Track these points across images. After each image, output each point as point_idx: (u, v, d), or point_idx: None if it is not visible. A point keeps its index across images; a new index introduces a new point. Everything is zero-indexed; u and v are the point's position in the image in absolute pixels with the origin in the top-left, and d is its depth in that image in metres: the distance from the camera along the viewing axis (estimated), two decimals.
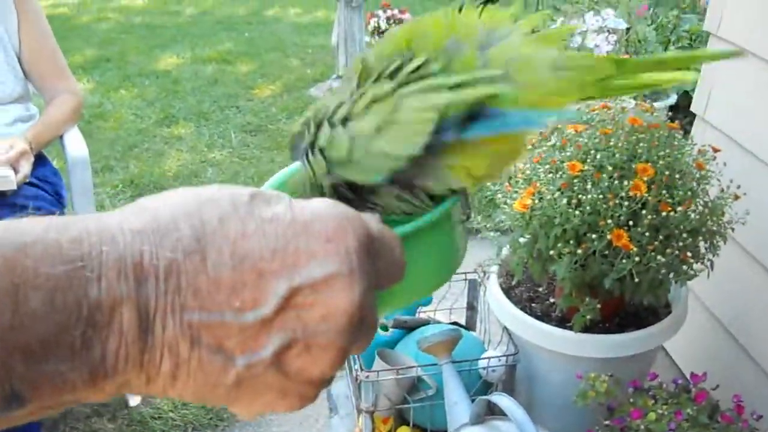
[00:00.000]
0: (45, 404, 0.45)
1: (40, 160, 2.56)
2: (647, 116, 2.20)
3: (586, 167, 1.98)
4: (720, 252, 2.14)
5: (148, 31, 8.74)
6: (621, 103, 2.21)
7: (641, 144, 2.02)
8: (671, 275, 2.05)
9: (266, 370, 0.49)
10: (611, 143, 2.02)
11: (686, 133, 2.85)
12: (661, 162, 2.00)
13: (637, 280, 1.97)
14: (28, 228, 0.46)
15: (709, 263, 2.13)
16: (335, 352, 0.50)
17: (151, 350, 0.47)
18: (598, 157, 2.00)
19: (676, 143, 2.11)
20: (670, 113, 3.99)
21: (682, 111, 3.72)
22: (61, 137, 2.73)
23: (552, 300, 2.39)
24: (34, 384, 0.44)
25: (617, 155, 2.00)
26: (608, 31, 4.44)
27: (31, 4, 2.67)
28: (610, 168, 1.98)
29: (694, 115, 2.76)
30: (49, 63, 2.73)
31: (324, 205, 0.52)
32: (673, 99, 4.37)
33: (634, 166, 1.98)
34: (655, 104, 4.20)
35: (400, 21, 6.95)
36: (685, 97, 4.32)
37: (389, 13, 7.01)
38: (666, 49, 4.70)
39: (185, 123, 5.77)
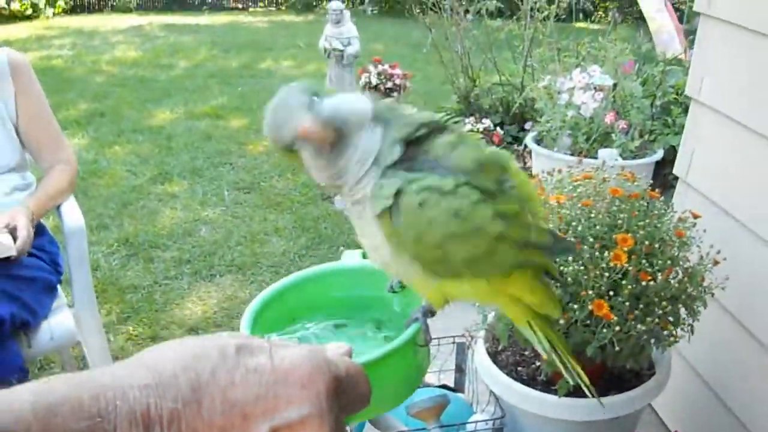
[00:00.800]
0: None
1: (37, 230, 2.62)
2: (628, 185, 2.25)
3: (568, 238, 2.04)
4: (701, 316, 2.19)
5: (141, 84, 8.86)
6: (603, 173, 2.27)
7: (621, 215, 2.08)
8: (652, 341, 2.10)
9: None
10: (592, 215, 2.08)
11: (672, 188, 2.90)
12: (641, 232, 2.05)
13: (617, 348, 2.02)
14: (56, 387, 0.54)
15: (689, 328, 2.18)
16: None
17: None
18: (580, 228, 2.06)
19: (655, 212, 2.17)
20: (651, 182, 4.04)
21: (669, 165, 3.78)
22: (57, 206, 2.79)
23: (538, 363, 2.44)
24: None
25: (598, 226, 2.06)
26: (595, 88, 4.51)
27: (28, 76, 2.74)
28: (591, 239, 2.03)
29: None
30: (46, 133, 2.80)
31: (301, 354, 0.62)
32: (659, 154, 4.43)
33: (614, 236, 2.03)
34: (642, 160, 4.27)
35: (391, 76, 7.04)
36: (672, 151, 4.38)
37: (380, 68, 7.10)
38: (652, 104, 4.77)
39: (179, 180, 5.84)
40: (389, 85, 7.13)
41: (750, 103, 2.42)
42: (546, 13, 5.72)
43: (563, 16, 6.40)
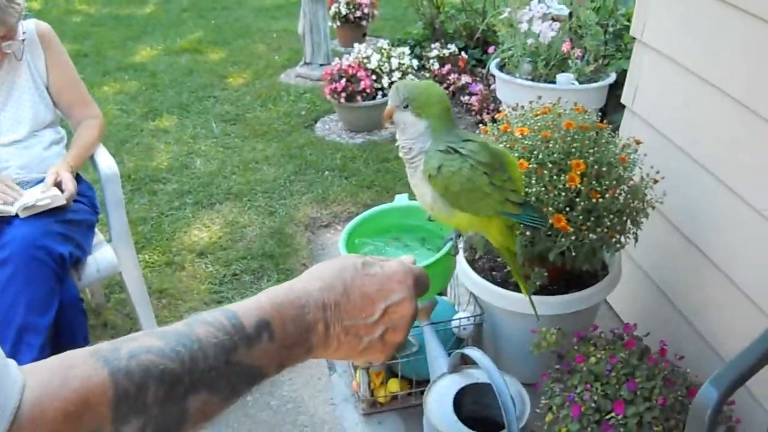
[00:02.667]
0: (286, 367, 0.96)
1: (77, 178, 3.04)
2: (581, 117, 2.65)
3: (530, 165, 2.46)
4: (643, 226, 2.61)
5: (118, 22, 9.00)
6: (558, 108, 2.67)
7: (575, 144, 2.50)
8: (603, 247, 2.55)
9: (377, 342, 1.03)
10: (550, 144, 2.50)
11: (624, 107, 3.27)
12: (591, 158, 2.48)
13: (574, 254, 2.47)
14: (277, 293, 0.97)
15: (633, 236, 2.61)
16: (405, 330, 1.04)
17: (329, 339, 0.98)
18: (540, 156, 2.48)
19: (604, 141, 2.58)
20: (605, 103, 4.31)
21: (622, 87, 3.95)
22: (92, 156, 3.20)
23: (509, 268, 2.85)
24: (286, 360, 0.94)
25: (555, 154, 2.48)
26: (552, 18, 4.84)
27: (56, 42, 3.14)
28: (550, 165, 2.46)
29: None
30: (74, 92, 3.22)
31: (396, 264, 1.07)
32: (612, 77, 4.78)
33: (569, 162, 2.46)
34: (597, 84, 4.64)
35: (359, 5, 7.35)
36: (624, 74, 4.66)
37: None
38: (605, 31, 5.08)
39: (168, 116, 6.10)
40: (358, 14, 7.44)
41: (685, 44, 2.81)
42: None
43: None
